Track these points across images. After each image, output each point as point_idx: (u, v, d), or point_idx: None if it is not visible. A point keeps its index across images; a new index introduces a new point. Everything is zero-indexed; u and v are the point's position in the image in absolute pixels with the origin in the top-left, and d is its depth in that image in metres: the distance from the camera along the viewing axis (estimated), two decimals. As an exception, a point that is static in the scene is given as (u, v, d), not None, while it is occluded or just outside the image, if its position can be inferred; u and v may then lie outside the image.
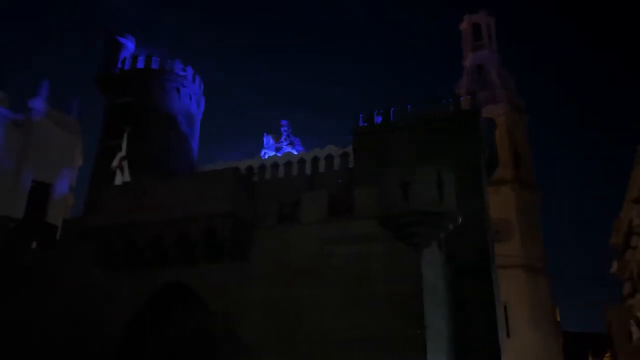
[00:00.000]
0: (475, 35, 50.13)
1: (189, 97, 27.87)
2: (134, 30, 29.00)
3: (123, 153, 19.50)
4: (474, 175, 22.56)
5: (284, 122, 31.28)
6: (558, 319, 46.22)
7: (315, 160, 26.02)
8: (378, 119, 24.61)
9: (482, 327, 20.39)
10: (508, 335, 36.53)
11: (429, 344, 15.39)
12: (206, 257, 17.15)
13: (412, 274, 16.03)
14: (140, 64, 27.27)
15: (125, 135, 20.12)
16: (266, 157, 28.50)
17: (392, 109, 24.43)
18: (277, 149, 30.30)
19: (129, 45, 28.71)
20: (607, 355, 47.76)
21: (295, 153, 28.65)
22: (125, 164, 19.32)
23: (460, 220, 16.60)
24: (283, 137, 30.81)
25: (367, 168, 23.14)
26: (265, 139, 31.01)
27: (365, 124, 24.65)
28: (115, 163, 19.31)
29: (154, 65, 27.27)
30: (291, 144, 30.56)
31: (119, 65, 27.72)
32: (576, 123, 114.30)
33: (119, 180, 19.03)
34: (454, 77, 48.03)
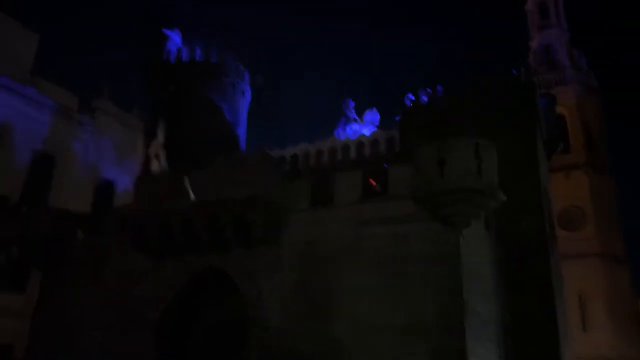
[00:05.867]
0: (542, 15, 47.36)
1: (233, 86, 27.92)
2: (181, 22, 29.52)
3: (160, 140, 19.65)
4: (528, 152, 20.95)
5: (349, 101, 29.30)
6: (642, 313, 42.73)
7: (360, 145, 25.21)
8: (425, 99, 23.49)
9: (539, 316, 18.83)
10: (584, 328, 34.20)
11: (469, 330, 14.28)
12: (238, 242, 16.84)
13: (451, 255, 14.95)
14: (185, 56, 27.67)
15: (162, 123, 20.26)
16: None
17: (439, 87, 23.21)
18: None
19: (175, 37, 29.16)
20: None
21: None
22: (162, 152, 19.44)
23: (503, 197, 15.31)
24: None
25: (413, 149, 22.04)
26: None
27: (411, 104, 23.59)
28: (152, 151, 19.48)
29: (198, 57, 27.57)
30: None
31: (165, 56, 28.24)
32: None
33: (155, 167, 19.17)
34: (521, 60, 45.47)
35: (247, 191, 16.36)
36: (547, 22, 46.72)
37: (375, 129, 27.40)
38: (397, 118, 24.08)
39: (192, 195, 16.71)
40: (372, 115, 28.03)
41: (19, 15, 30.19)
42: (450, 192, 14.88)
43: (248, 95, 29.26)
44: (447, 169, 15.00)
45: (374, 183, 17.62)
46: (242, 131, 28.43)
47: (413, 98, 24.38)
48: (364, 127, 27.65)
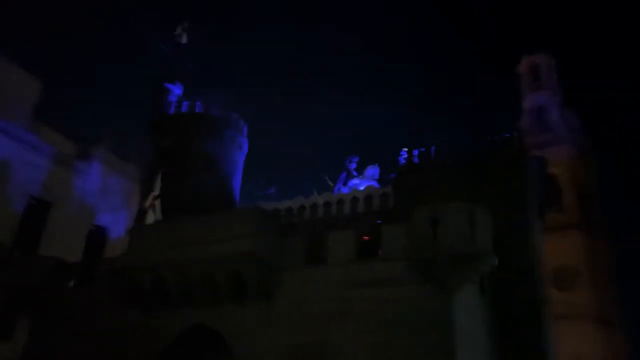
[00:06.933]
0: (534, 77, 48.52)
1: (231, 140, 28.26)
2: (183, 75, 30.01)
3: (156, 192, 19.79)
4: (520, 216, 21.09)
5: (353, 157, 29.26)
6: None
7: (354, 200, 25.36)
8: (417, 158, 23.86)
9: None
10: (578, 393, 33.50)
11: (461, 397, 14.10)
12: (231, 298, 16.77)
13: (443, 319, 14.91)
14: (185, 109, 28.13)
15: (159, 175, 20.47)
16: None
17: (433, 147, 23.61)
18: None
19: (177, 91, 29.75)
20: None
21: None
22: (157, 203, 19.56)
23: (496, 261, 15.41)
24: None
25: (406, 208, 22.21)
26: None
27: (405, 163, 23.91)
28: (147, 203, 19.60)
29: (198, 110, 28.04)
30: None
31: (165, 110, 28.69)
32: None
33: (150, 219, 19.25)
34: (513, 120, 46.38)
35: (242, 247, 16.41)
36: (540, 84, 47.81)
37: (376, 184, 27.56)
38: (392, 176, 24.36)
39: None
40: (373, 170, 28.19)
41: (25, 62, 30.77)
42: (443, 255, 14.95)
43: (245, 148, 29.61)
44: (440, 232, 15.13)
45: (366, 238, 17.69)
46: (237, 184, 28.59)
47: (406, 156, 24.69)
48: (364, 182, 27.81)
